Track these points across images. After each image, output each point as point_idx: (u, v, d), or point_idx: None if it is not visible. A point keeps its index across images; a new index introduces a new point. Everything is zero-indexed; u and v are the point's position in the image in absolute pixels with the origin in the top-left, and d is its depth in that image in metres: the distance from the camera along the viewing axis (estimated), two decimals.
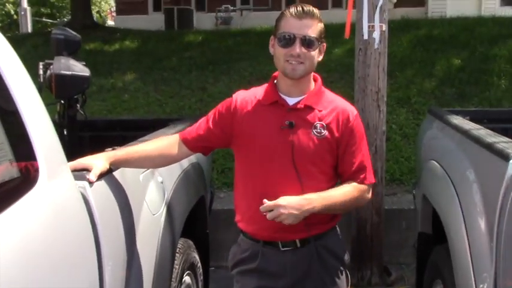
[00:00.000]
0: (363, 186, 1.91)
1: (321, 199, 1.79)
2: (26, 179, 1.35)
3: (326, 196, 1.81)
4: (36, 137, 1.40)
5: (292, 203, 1.74)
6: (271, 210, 1.75)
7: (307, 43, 1.80)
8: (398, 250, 4.17)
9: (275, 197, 1.80)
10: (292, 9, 1.82)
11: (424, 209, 2.79)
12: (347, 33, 3.69)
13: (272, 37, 1.89)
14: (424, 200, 2.75)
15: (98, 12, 28.09)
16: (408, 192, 4.60)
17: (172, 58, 8.44)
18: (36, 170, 1.38)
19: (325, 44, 1.91)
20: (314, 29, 1.82)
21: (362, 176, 1.91)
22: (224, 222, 4.19)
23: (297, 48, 1.79)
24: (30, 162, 1.38)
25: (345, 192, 1.87)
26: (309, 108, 1.88)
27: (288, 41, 1.80)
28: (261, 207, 1.75)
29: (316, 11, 1.84)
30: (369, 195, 1.96)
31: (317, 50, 1.85)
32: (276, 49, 1.86)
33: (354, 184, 1.90)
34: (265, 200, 1.75)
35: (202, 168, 3.00)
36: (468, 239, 1.95)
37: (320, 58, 1.89)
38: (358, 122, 1.94)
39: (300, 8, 1.81)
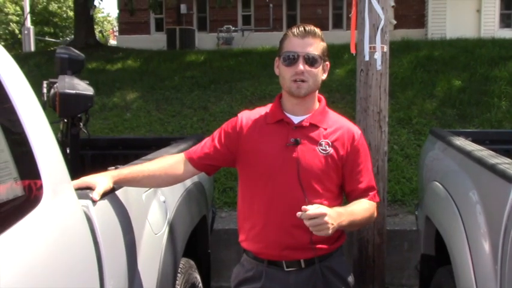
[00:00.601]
0: (374, 204, 1.94)
1: (348, 215, 1.79)
2: (30, 198, 1.35)
3: (351, 211, 1.82)
4: (40, 155, 1.40)
5: (332, 215, 1.67)
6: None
7: (310, 61, 1.83)
8: (400, 271, 4.15)
9: (281, 215, 1.80)
10: (295, 29, 1.86)
11: (426, 230, 2.78)
12: (352, 49, 3.71)
13: (276, 58, 1.93)
14: (427, 221, 2.73)
15: (100, 31, 28.34)
16: (410, 213, 4.59)
17: (174, 77, 8.49)
18: (40, 189, 1.38)
19: (328, 63, 1.93)
20: (316, 47, 1.85)
21: (372, 194, 1.94)
22: (225, 242, 4.17)
23: (300, 66, 1.82)
24: (34, 180, 1.38)
25: (365, 208, 1.89)
26: (314, 127, 1.89)
27: (291, 60, 1.83)
28: (301, 214, 1.65)
29: (318, 30, 1.88)
30: (376, 214, 1.97)
31: (320, 68, 1.88)
32: (280, 69, 1.89)
33: (368, 201, 1.92)
34: (305, 207, 1.65)
35: (204, 188, 2.99)
36: (472, 261, 1.94)
37: (324, 77, 1.92)
38: (363, 141, 1.96)
39: (302, 28, 1.85)
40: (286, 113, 1.92)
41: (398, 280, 4.11)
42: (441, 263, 2.53)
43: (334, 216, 1.69)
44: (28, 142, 1.39)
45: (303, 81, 1.83)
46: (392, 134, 5.91)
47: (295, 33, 1.85)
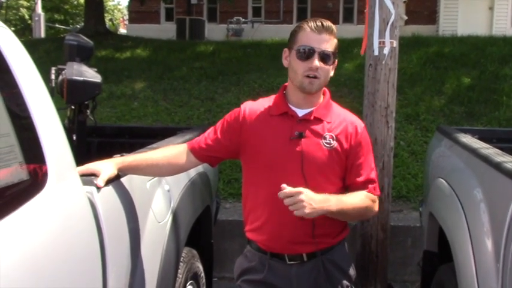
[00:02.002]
0: (373, 197, 1.93)
1: (338, 201, 1.78)
2: (35, 182, 1.36)
3: (343, 200, 1.81)
4: (46, 140, 1.41)
5: (312, 196, 1.68)
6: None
7: (325, 58, 1.82)
8: (403, 267, 4.14)
9: (284, 208, 1.80)
10: (312, 23, 1.83)
11: (430, 226, 2.77)
12: (363, 50, 3.70)
13: (286, 49, 1.90)
14: (431, 218, 2.73)
15: (110, 20, 28.35)
16: (414, 209, 4.58)
17: (183, 68, 8.49)
18: (45, 173, 1.39)
19: (337, 60, 1.92)
20: (331, 44, 1.84)
21: (371, 187, 1.93)
22: (229, 233, 4.19)
23: (316, 62, 1.80)
24: (39, 165, 1.39)
25: (359, 199, 1.87)
26: (319, 120, 1.89)
27: (306, 55, 1.81)
28: (279, 193, 1.67)
29: (334, 26, 1.86)
30: (377, 208, 1.97)
31: (332, 65, 1.87)
32: (292, 62, 1.86)
33: (366, 193, 1.91)
34: (284, 185, 1.67)
35: (209, 178, 3.00)
36: (474, 259, 1.93)
37: (332, 73, 1.91)
38: (365, 134, 1.95)
39: (320, 23, 1.82)
40: (290, 106, 1.91)
41: (400, 276, 4.11)
42: (443, 260, 2.52)
43: (315, 198, 1.69)
44: (34, 127, 1.40)
45: (315, 77, 1.82)
46: (399, 130, 5.89)
47: (313, 27, 1.81)
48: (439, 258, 2.68)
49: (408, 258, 4.13)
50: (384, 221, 3.69)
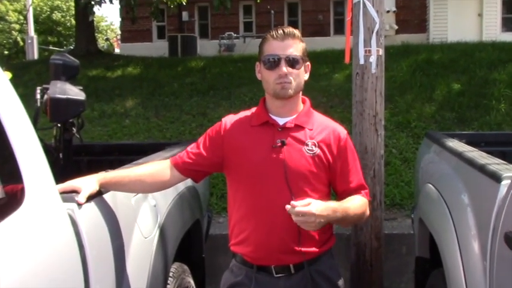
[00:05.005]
0: (367, 202, 1.94)
1: (342, 210, 1.79)
2: (11, 200, 1.35)
3: (346, 207, 1.82)
4: (22, 158, 1.40)
5: (322, 211, 1.67)
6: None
7: (292, 62, 1.83)
8: (398, 276, 4.12)
9: (269, 217, 1.80)
10: (274, 32, 1.86)
11: (421, 232, 2.76)
12: (347, 58, 3.72)
13: (257, 63, 1.93)
14: (421, 224, 2.72)
15: (107, 39, 28.47)
16: (408, 216, 4.56)
17: (174, 84, 8.51)
18: (22, 192, 1.37)
19: (309, 63, 1.93)
20: (296, 48, 1.85)
21: (364, 192, 1.95)
22: (222, 248, 4.14)
23: (284, 68, 1.82)
24: (16, 183, 1.38)
25: (359, 205, 1.89)
26: (300, 128, 1.89)
27: (273, 63, 1.83)
28: (289, 209, 1.64)
29: (296, 31, 1.88)
30: (368, 211, 1.97)
31: (302, 69, 1.88)
32: (263, 73, 1.89)
33: (361, 198, 1.92)
34: (294, 203, 1.65)
35: (198, 192, 2.99)
36: (463, 263, 1.92)
37: (306, 77, 1.92)
38: (349, 141, 1.96)
39: (281, 31, 1.85)
40: (271, 115, 1.92)
41: (396, 285, 4.09)
42: (436, 266, 2.51)
43: (324, 212, 1.68)
44: (10, 145, 1.39)
45: (288, 82, 1.83)
46: (391, 138, 5.90)
47: (275, 35, 1.84)
48: (431, 264, 2.66)
49: (403, 266, 4.10)
50: (377, 229, 3.68)
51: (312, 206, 1.66)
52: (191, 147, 1.99)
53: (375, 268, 3.69)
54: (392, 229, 4.37)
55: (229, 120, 1.98)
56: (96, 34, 16.58)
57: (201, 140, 1.99)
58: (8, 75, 1.60)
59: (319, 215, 1.66)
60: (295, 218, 1.66)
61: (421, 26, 17.04)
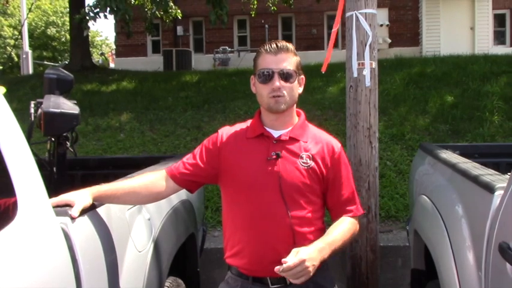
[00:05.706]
0: (354, 220, 1.92)
1: (329, 246, 1.76)
2: (3, 214, 1.34)
3: (331, 242, 1.79)
4: (15, 172, 1.40)
5: (310, 253, 1.66)
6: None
7: (286, 76, 1.84)
8: None
9: (264, 230, 1.79)
10: (267, 46, 1.87)
11: (416, 244, 2.76)
12: (324, 68, 3.74)
13: (252, 77, 1.93)
14: (416, 236, 2.72)
15: (101, 54, 28.53)
16: (404, 229, 4.56)
17: (168, 98, 8.52)
18: (15, 205, 1.37)
19: (303, 76, 1.94)
20: (290, 62, 1.86)
21: (353, 207, 1.93)
22: (218, 261, 4.13)
23: (277, 82, 1.82)
24: (9, 197, 1.37)
25: (346, 230, 1.86)
26: (295, 140, 1.90)
27: (267, 77, 1.84)
28: (280, 269, 1.61)
29: (290, 45, 1.89)
30: (358, 227, 1.95)
31: (296, 82, 1.89)
32: (257, 86, 1.90)
33: (348, 219, 1.90)
34: (285, 260, 1.62)
35: (193, 205, 2.98)
36: (458, 274, 1.92)
37: (300, 90, 1.93)
38: (343, 154, 1.96)
39: (274, 45, 1.86)
40: (266, 128, 1.92)
41: None
42: (431, 278, 2.50)
43: (314, 255, 1.67)
44: (3, 159, 1.39)
45: (281, 96, 1.84)
46: (386, 150, 5.91)
47: (268, 49, 1.85)
48: (427, 276, 2.66)
49: (399, 278, 4.09)
50: (372, 242, 3.67)
51: (300, 254, 1.65)
52: (187, 158, 1.99)
53: (371, 281, 3.68)
54: (388, 241, 4.36)
55: (225, 131, 1.99)
56: (91, 49, 16.65)
57: (197, 150, 1.99)
58: (2, 89, 1.61)
59: (311, 258, 1.65)
60: (290, 274, 1.63)
61: (414, 39, 17.19)
